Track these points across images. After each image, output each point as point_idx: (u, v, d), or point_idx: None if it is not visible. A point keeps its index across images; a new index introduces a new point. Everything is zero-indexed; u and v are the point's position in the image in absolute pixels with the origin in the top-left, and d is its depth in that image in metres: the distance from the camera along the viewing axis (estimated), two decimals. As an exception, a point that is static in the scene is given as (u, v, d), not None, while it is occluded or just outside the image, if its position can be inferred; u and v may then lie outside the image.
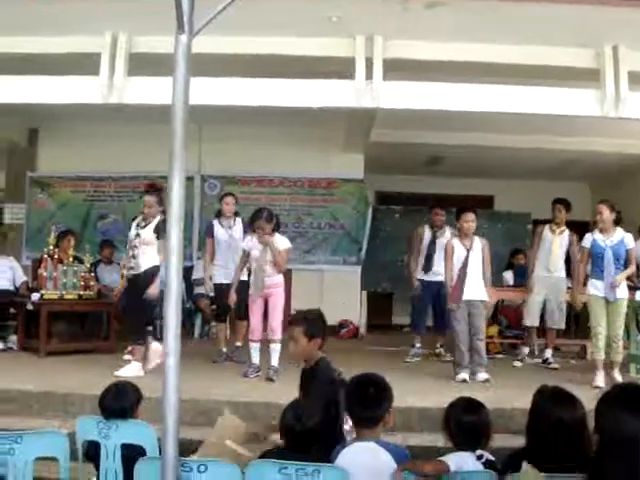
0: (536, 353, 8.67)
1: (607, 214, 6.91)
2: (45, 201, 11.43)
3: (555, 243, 8.02)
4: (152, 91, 6.33)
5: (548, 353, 8.13)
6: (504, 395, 5.92)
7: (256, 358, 6.92)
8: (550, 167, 11.39)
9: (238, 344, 7.70)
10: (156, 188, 7.25)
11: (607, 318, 6.86)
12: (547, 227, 8.18)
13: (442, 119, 8.32)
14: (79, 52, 6.49)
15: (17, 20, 6.04)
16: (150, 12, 5.45)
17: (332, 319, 10.80)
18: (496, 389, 6.35)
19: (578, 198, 12.09)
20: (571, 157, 10.82)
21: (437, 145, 10.53)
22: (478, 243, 7.12)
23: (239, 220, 7.77)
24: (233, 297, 7.07)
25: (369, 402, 3.29)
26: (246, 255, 7.01)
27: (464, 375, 6.80)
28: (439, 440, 3.48)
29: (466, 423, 3.25)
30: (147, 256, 6.82)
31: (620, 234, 6.98)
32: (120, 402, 3.68)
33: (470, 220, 7.10)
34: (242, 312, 7.33)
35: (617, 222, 7.08)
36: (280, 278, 6.95)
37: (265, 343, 6.90)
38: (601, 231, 6.98)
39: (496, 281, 8.06)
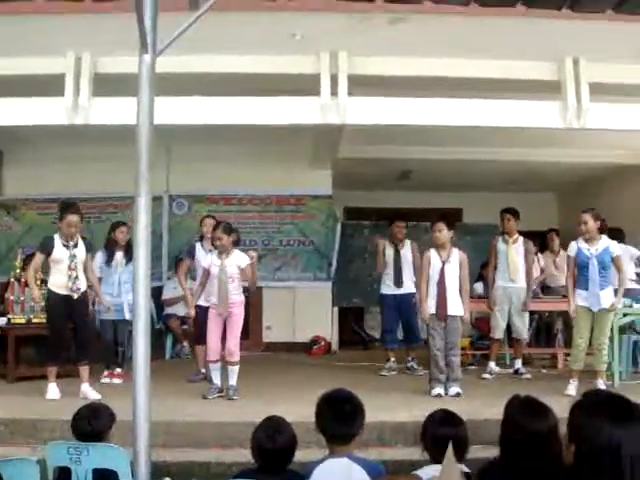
0: (507, 363, 8.72)
1: (591, 223, 6.83)
2: (11, 224, 11.24)
3: (511, 253, 8.07)
4: (118, 111, 6.28)
5: (518, 363, 8.18)
6: (476, 406, 5.93)
7: (217, 379, 6.80)
8: (517, 178, 11.48)
9: (203, 371, 7.54)
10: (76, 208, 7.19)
11: (593, 327, 6.81)
12: (500, 239, 8.23)
13: (409, 133, 8.36)
14: (43, 73, 6.45)
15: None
16: (113, 32, 5.44)
17: (304, 336, 10.86)
18: (468, 400, 6.36)
19: (545, 208, 12.37)
20: (537, 168, 10.92)
21: (405, 160, 10.56)
22: (456, 256, 6.97)
23: None
24: (192, 312, 7.10)
25: (345, 418, 3.28)
26: (206, 273, 6.91)
27: (439, 390, 6.76)
28: (414, 454, 3.48)
29: (443, 436, 3.25)
30: (82, 276, 6.84)
31: (605, 242, 6.91)
32: (94, 425, 3.65)
33: (437, 230, 6.97)
34: (201, 337, 7.20)
35: (602, 230, 7.03)
36: (241, 297, 6.86)
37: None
38: (586, 240, 6.89)
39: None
